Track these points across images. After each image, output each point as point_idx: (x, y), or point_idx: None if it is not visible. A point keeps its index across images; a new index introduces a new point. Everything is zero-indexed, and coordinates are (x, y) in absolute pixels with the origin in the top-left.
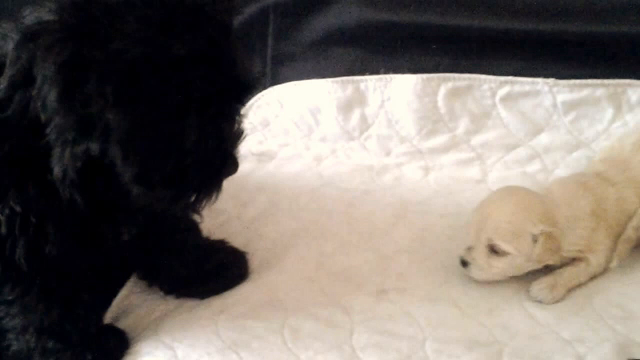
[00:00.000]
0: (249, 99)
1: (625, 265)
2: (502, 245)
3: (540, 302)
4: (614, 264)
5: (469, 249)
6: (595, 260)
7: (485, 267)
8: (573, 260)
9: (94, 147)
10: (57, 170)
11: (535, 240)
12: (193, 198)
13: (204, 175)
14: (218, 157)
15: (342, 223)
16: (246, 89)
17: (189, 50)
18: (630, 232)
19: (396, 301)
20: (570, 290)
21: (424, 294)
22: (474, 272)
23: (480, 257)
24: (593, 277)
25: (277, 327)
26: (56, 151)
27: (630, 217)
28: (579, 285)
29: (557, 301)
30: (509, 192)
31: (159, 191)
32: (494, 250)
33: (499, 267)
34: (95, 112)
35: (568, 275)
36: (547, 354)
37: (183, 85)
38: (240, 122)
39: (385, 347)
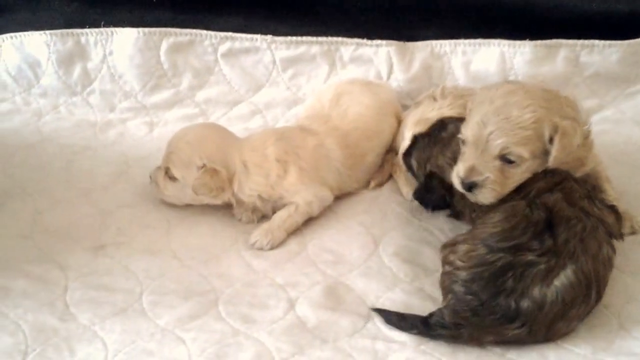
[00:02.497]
0: None
1: (339, 212)
2: (172, 170)
3: (260, 248)
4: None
5: (157, 168)
6: (301, 199)
7: (162, 187)
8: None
9: None
10: None
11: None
12: None
13: None
14: None
15: (61, 180)
16: None
17: None
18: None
19: (114, 255)
20: (290, 234)
21: (144, 247)
22: (154, 189)
23: (159, 177)
24: (310, 217)
25: None
26: None
27: (329, 159)
28: (299, 228)
29: (276, 246)
30: (202, 126)
31: None
32: (168, 174)
33: (170, 189)
34: None
35: (279, 218)
36: (261, 298)
37: None
38: None
39: (100, 301)
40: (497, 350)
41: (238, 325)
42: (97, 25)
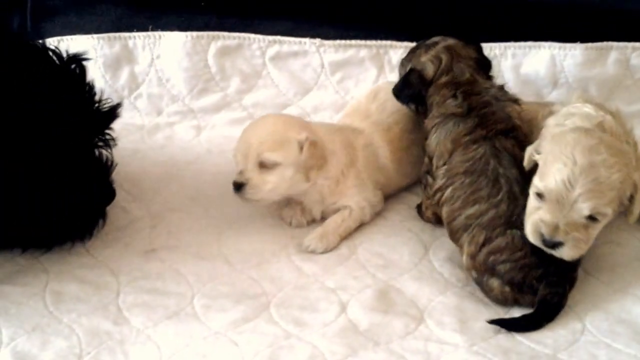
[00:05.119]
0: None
1: (388, 218)
2: (270, 156)
3: (313, 251)
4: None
5: (241, 172)
6: (354, 203)
7: (260, 183)
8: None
9: None
10: None
11: (301, 147)
12: None
13: None
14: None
15: None
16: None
17: None
18: None
19: (166, 259)
20: (343, 238)
21: (195, 251)
22: (249, 192)
23: (252, 175)
24: (362, 222)
25: (37, 291)
26: None
27: (378, 157)
28: (350, 233)
29: (330, 249)
30: (268, 115)
31: None
32: (264, 165)
33: (272, 180)
34: None
35: (334, 223)
36: (312, 302)
37: None
38: None
39: (152, 305)
40: (548, 351)
41: (290, 328)
42: (145, 29)
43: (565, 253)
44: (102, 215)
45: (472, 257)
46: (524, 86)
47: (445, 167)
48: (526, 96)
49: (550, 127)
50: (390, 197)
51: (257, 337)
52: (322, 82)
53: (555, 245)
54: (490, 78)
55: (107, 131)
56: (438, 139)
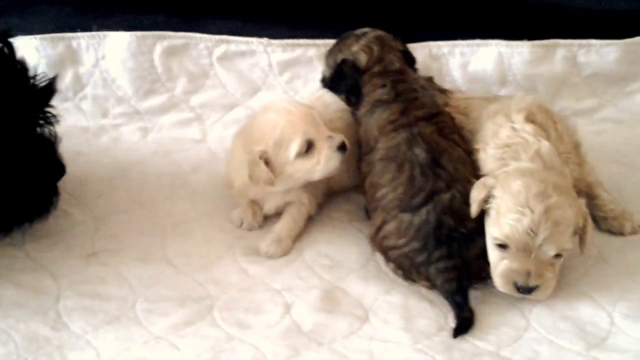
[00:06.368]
0: None
1: (336, 218)
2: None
3: (271, 257)
4: None
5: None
6: (306, 197)
7: (295, 169)
8: (287, 207)
9: None
10: None
11: None
12: None
13: None
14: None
15: None
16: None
17: None
18: None
19: (108, 263)
20: (295, 240)
21: (138, 254)
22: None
23: (296, 161)
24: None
25: None
26: None
27: None
28: (300, 234)
29: (287, 253)
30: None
31: None
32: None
33: (304, 165)
34: None
35: (286, 226)
36: (257, 304)
37: None
38: None
39: (93, 309)
40: (491, 348)
41: (233, 331)
42: (89, 30)
43: (542, 295)
44: (55, 192)
45: (372, 239)
46: (472, 84)
47: (371, 154)
48: (475, 94)
49: (492, 158)
50: (339, 197)
51: (198, 341)
52: (270, 82)
53: (531, 290)
54: (415, 72)
55: (48, 109)
56: (367, 126)
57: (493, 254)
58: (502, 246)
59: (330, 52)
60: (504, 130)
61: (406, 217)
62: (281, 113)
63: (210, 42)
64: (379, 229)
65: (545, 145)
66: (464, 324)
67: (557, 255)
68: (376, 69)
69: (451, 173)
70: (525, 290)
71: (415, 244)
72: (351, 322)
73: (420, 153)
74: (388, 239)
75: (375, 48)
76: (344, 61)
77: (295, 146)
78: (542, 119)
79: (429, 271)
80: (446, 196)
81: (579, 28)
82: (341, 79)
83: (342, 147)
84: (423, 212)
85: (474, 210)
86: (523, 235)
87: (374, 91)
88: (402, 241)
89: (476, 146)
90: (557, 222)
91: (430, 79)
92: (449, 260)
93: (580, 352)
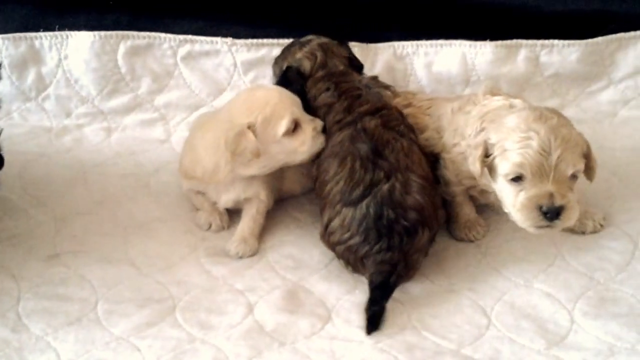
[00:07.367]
0: None
1: (300, 219)
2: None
3: (242, 257)
4: None
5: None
6: (264, 194)
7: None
8: (245, 206)
9: None
10: None
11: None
12: None
13: None
14: None
15: (14, 187)
16: None
17: None
18: None
19: (70, 264)
20: (259, 238)
21: (100, 255)
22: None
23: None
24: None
25: None
26: None
27: None
28: (262, 230)
29: (255, 252)
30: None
31: None
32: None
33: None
34: None
35: (247, 226)
36: (220, 304)
37: None
38: None
39: (54, 311)
40: (452, 347)
41: (195, 332)
42: (52, 29)
43: (569, 217)
44: None
45: (322, 237)
46: (436, 84)
47: (321, 155)
48: (439, 94)
49: (474, 118)
50: (302, 198)
51: (160, 342)
52: (235, 82)
53: (559, 212)
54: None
55: None
56: None
57: (508, 192)
58: (517, 179)
59: (277, 60)
60: (474, 111)
61: (349, 211)
62: (272, 92)
63: (174, 42)
64: (326, 226)
65: (518, 101)
66: (373, 319)
67: (573, 176)
68: (320, 73)
69: (392, 163)
70: (553, 213)
71: (358, 238)
72: (313, 321)
73: (362, 147)
74: (334, 234)
75: (319, 54)
76: (288, 68)
77: (284, 124)
78: (507, 93)
79: (368, 263)
80: (385, 187)
81: (541, 28)
82: (287, 86)
83: (324, 131)
84: (364, 205)
85: (478, 169)
86: (536, 157)
87: (319, 95)
88: (346, 236)
89: (454, 141)
90: (566, 139)
91: (375, 78)
92: (387, 252)
93: (541, 351)
